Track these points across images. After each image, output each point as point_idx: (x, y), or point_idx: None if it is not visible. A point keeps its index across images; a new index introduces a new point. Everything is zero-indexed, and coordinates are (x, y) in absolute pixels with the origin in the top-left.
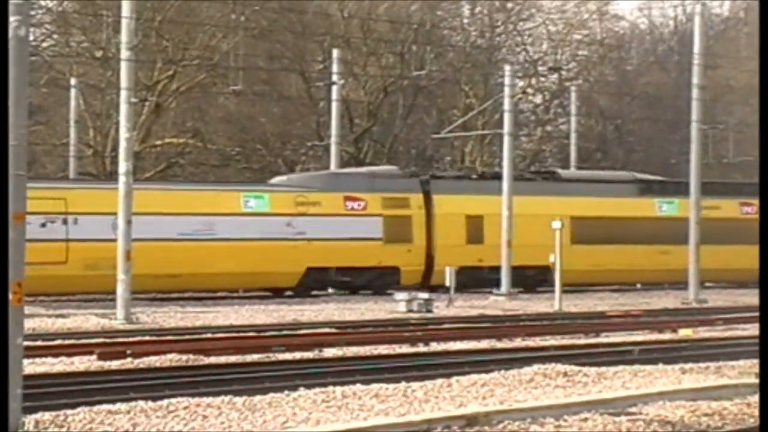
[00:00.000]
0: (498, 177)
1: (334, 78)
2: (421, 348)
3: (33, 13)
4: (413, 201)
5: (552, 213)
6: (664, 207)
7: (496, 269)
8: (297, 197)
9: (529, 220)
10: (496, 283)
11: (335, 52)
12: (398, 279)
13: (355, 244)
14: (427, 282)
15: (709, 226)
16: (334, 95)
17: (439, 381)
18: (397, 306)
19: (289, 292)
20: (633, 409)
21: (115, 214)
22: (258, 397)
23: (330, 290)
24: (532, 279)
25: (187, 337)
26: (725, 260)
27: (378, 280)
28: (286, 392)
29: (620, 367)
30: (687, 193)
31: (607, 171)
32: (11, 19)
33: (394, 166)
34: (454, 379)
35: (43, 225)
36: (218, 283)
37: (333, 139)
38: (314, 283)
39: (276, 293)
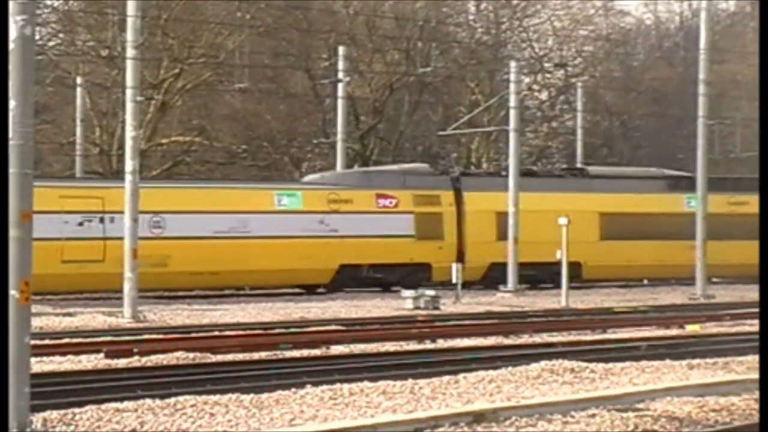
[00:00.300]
0: (528, 174)
1: (340, 75)
2: (428, 345)
3: (39, 12)
4: (444, 198)
5: (581, 209)
6: (692, 203)
7: (527, 266)
8: (329, 195)
9: (559, 216)
10: (527, 280)
11: (341, 50)
12: (430, 275)
13: (388, 241)
14: None
15: (738, 222)
16: (340, 92)
17: (446, 378)
18: (404, 303)
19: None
20: (640, 405)
21: (151, 212)
22: (265, 395)
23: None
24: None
25: (194, 334)
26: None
27: (410, 277)
28: (294, 389)
29: (627, 363)
30: (714, 189)
31: (636, 167)
32: (17, 18)
33: (425, 164)
34: (461, 375)
35: (81, 224)
36: (253, 281)
37: (339, 137)
38: (347, 280)
39: (309, 290)
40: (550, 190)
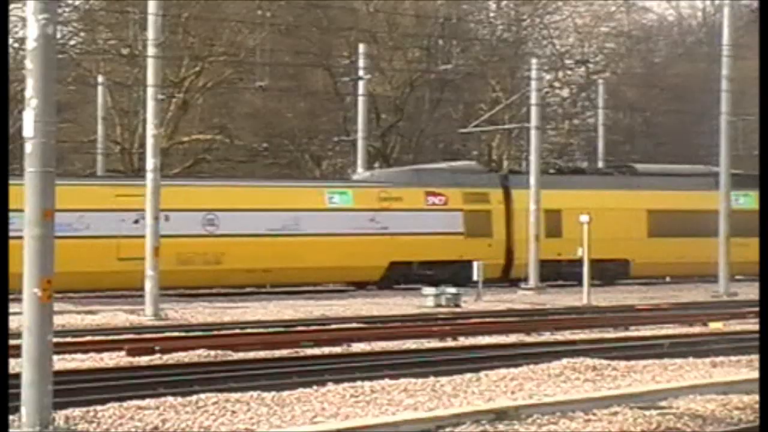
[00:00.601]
0: (577, 172)
1: (360, 73)
2: (450, 342)
3: (60, 11)
4: (493, 196)
5: (629, 207)
6: (740, 200)
7: (575, 263)
8: (380, 193)
9: (607, 213)
10: (575, 277)
11: (361, 47)
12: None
13: (437, 239)
14: (507, 275)
15: None
16: (361, 90)
17: (468, 375)
18: (425, 301)
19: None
20: (663, 403)
21: (205, 210)
22: (287, 392)
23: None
24: (611, 272)
25: (215, 332)
26: None
27: (459, 274)
28: (315, 387)
29: (650, 361)
30: (749, 186)
31: (684, 164)
32: (39, 16)
33: (474, 162)
34: (482, 373)
35: (136, 222)
36: (305, 278)
37: (359, 134)
38: (397, 277)
39: (359, 287)
40: (598, 187)
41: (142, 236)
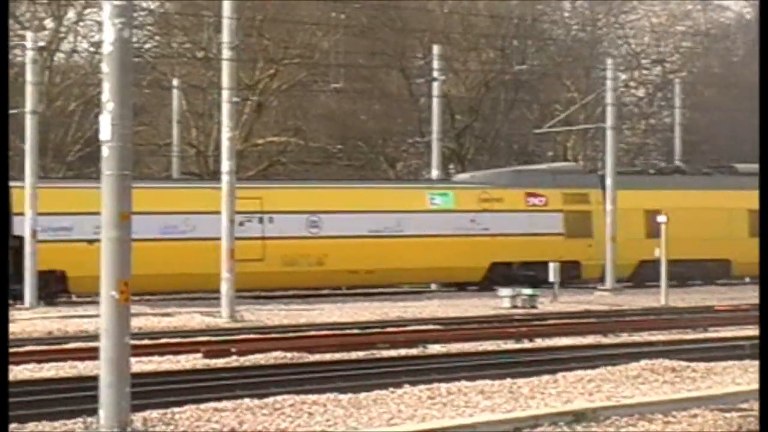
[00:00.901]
0: (678, 171)
1: (435, 74)
2: (526, 344)
3: (135, 15)
4: (593, 196)
5: (730, 206)
6: None
7: (676, 263)
8: (481, 194)
9: (708, 213)
10: (678, 276)
11: (435, 48)
12: (579, 273)
13: (538, 240)
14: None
15: None
16: (435, 91)
17: (545, 377)
18: (501, 302)
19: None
20: (744, 405)
21: (308, 212)
22: (363, 394)
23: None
24: (712, 272)
25: (291, 334)
26: None
27: (560, 275)
28: (391, 389)
29: (730, 363)
30: None
31: None
32: (115, 20)
33: (574, 162)
34: (559, 375)
35: (241, 224)
36: (407, 279)
37: (434, 136)
38: (498, 277)
39: (460, 287)
40: (698, 187)
41: (247, 238)
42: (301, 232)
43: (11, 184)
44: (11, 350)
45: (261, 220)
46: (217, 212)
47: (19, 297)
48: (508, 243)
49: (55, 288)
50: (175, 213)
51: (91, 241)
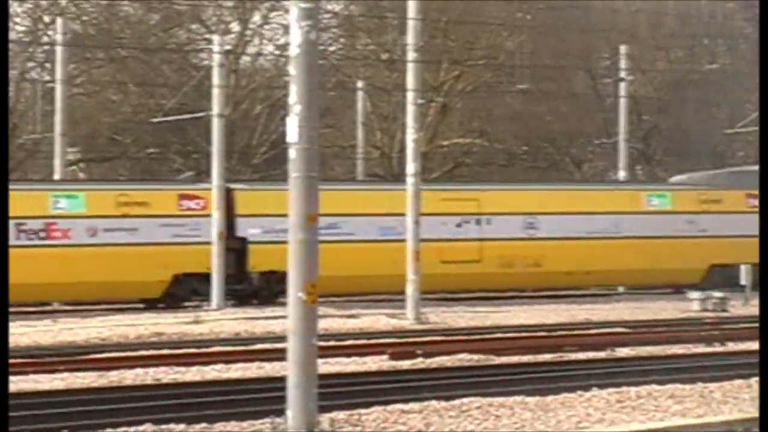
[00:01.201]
0: None
1: (622, 74)
2: (718, 348)
3: (320, 17)
4: None
5: None
6: None
7: None
8: (699, 195)
9: None
10: None
11: (622, 48)
12: None
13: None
14: None
15: None
16: (622, 92)
17: (738, 382)
18: (690, 305)
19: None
20: None
21: (525, 214)
22: (550, 397)
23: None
24: None
25: (477, 336)
26: None
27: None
28: (579, 392)
29: None
30: None
31: None
32: (302, 23)
33: None
34: (753, 380)
35: (459, 225)
36: (624, 280)
37: (621, 136)
38: (717, 280)
39: (676, 290)
40: None
41: (464, 239)
42: (518, 234)
43: (233, 186)
44: (200, 351)
45: (479, 222)
46: (429, 214)
47: (243, 298)
48: (728, 245)
49: (276, 288)
50: (391, 215)
51: None
